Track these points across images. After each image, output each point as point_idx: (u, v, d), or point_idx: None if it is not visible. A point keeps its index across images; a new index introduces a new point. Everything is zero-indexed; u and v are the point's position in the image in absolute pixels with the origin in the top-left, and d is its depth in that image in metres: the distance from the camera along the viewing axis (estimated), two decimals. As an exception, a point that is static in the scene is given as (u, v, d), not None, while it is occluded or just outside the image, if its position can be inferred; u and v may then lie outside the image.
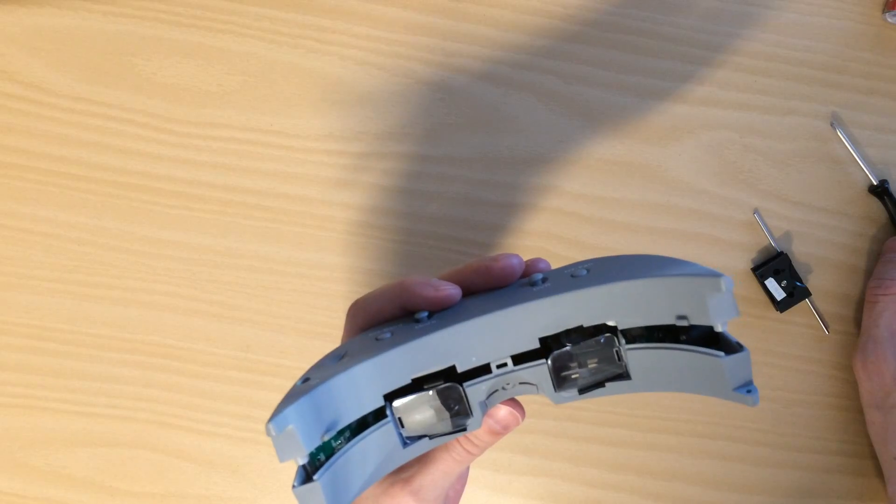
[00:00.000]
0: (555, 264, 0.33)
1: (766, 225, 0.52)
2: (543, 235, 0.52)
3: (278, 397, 0.51)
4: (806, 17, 0.53)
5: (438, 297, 0.29)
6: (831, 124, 0.52)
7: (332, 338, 0.51)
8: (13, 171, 0.52)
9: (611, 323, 0.29)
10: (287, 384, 0.51)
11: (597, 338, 0.29)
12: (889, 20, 0.52)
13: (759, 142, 0.53)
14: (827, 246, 0.52)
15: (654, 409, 0.52)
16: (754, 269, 0.52)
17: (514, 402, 0.31)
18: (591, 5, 0.53)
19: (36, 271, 0.51)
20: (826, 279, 0.52)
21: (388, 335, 0.28)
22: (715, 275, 0.26)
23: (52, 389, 0.51)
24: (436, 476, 0.31)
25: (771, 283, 0.51)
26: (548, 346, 0.29)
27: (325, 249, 0.52)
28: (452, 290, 0.29)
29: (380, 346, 0.28)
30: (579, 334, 0.29)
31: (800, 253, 0.52)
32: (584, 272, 0.29)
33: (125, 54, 0.52)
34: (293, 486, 0.24)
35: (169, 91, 0.52)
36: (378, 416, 0.28)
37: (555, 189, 0.52)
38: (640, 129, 0.52)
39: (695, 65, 0.53)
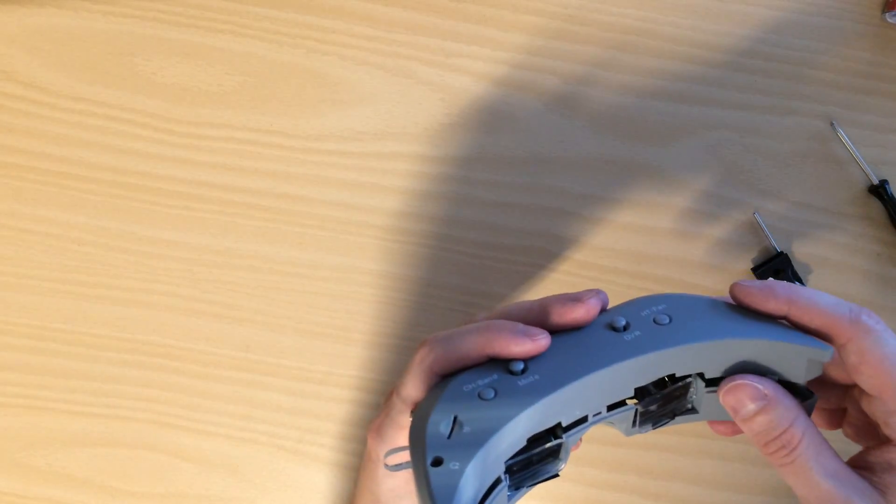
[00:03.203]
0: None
1: (765, 225, 0.52)
2: (544, 235, 0.52)
3: (278, 397, 0.51)
4: (806, 17, 0.53)
5: (535, 350, 0.30)
6: (831, 124, 0.52)
7: (332, 338, 0.51)
8: (13, 171, 0.52)
9: (698, 371, 0.31)
10: (287, 384, 0.51)
11: (681, 383, 0.31)
12: (889, 20, 0.52)
13: (759, 142, 0.53)
14: (827, 246, 0.52)
15: (654, 409, 0.52)
16: (754, 269, 0.52)
17: None
18: (591, 5, 0.53)
19: (36, 271, 0.51)
20: (826, 279, 0.52)
21: (492, 394, 0.29)
22: (825, 348, 0.29)
23: (52, 389, 0.51)
24: None
25: (771, 283, 0.51)
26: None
27: (325, 249, 0.52)
28: (546, 342, 0.30)
29: (495, 409, 0.28)
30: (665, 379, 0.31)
31: (800, 253, 0.52)
32: (667, 319, 0.30)
33: (125, 54, 0.52)
34: None
35: (169, 91, 0.52)
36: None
37: (554, 189, 0.52)
38: (640, 129, 0.52)
39: (695, 64, 0.53)
